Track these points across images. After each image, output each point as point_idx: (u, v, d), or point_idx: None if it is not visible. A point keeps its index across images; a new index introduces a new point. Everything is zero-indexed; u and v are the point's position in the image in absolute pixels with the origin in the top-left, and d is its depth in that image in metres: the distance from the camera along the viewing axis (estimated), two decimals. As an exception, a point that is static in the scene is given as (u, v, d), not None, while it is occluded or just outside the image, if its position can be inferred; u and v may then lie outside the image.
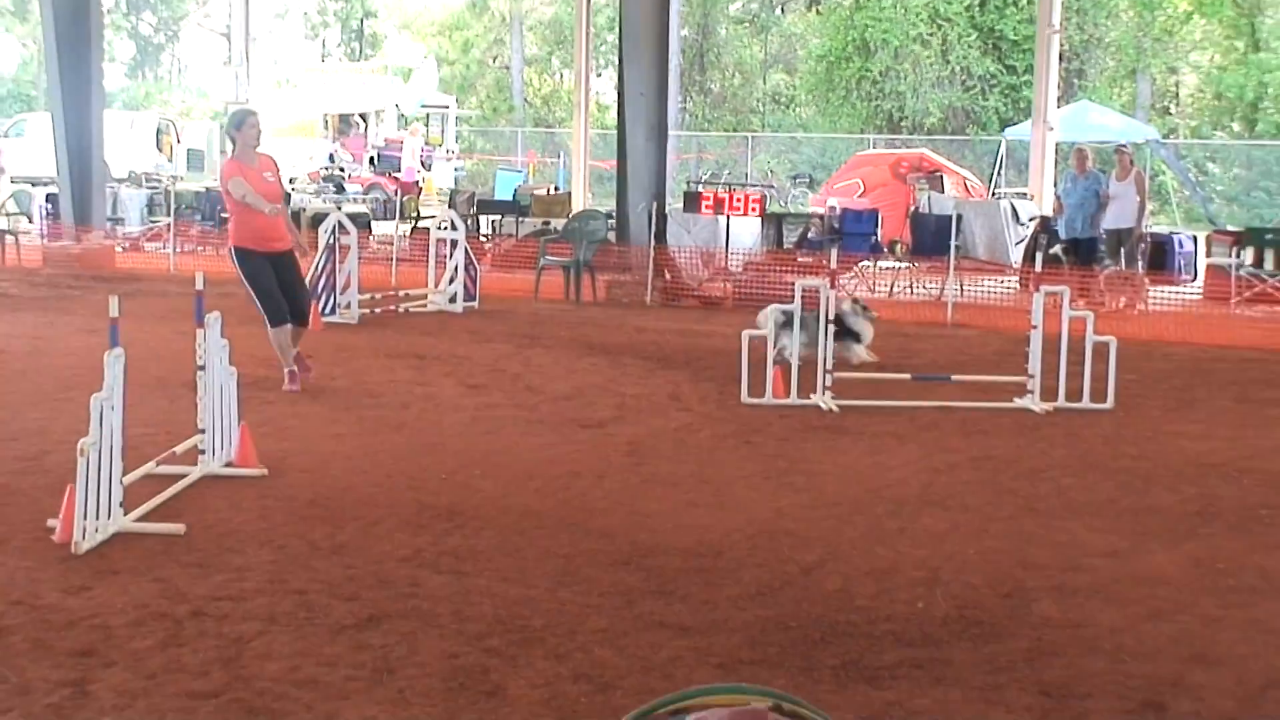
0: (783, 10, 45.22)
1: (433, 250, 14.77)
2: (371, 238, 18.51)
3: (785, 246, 18.73)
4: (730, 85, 43.72)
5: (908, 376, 10.05)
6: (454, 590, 5.22)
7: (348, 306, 13.20)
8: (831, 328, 9.35)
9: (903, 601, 5.21)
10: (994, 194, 24.22)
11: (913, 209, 21.08)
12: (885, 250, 18.38)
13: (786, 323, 9.76)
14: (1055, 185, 19.12)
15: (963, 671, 4.52)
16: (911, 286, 16.46)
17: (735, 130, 40.10)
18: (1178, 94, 38.61)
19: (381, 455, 7.48)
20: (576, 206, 21.87)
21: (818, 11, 41.92)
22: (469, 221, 20.09)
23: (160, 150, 34.91)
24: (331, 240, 13.16)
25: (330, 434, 8.04)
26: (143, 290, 15.27)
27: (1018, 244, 18.90)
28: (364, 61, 49.67)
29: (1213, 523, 6.42)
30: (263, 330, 9.29)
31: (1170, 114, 37.41)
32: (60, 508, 5.72)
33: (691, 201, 17.10)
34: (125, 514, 5.95)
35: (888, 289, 16.30)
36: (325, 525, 6.08)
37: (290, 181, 21.72)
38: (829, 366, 9.21)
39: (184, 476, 6.74)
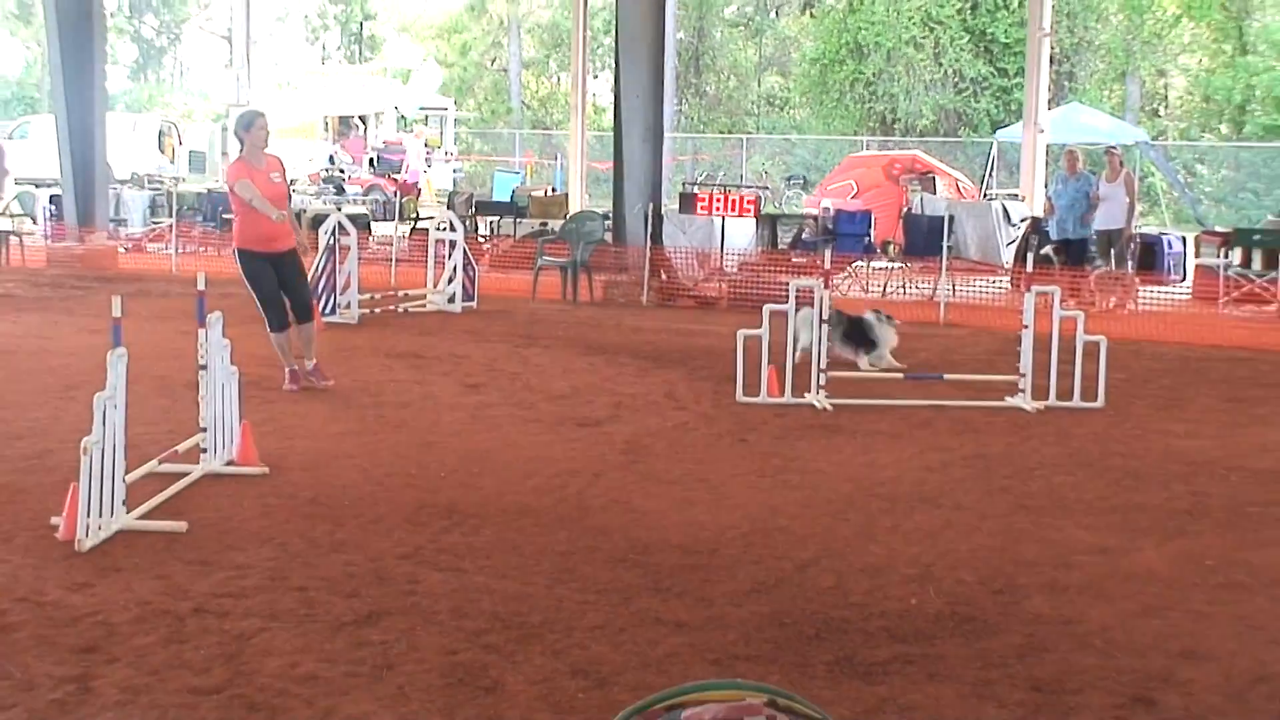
0: (777, 13, 45.21)
1: (431, 251, 14.77)
2: (371, 238, 18.50)
3: (780, 247, 18.75)
4: (725, 87, 43.73)
5: (901, 375, 10.07)
6: (453, 587, 5.22)
7: (348, 306, 13.19)
8: (828, 329, 9.39)
9: (896, 598, 5.21)
10: (986, 195, 24.22)
11: (905, 210, 21.08)
12: (878, 251, 18.39)
13: (824, 322, 10.02)
14: (1046, 186, 19.13)
15: (955, 667, 4.52)
16: (904, 287, 16.46)
17: (730, 132, 40.10)
18: (1167, 96, 38.64)
19: (381, 453, 7.48)
20: (573, 207, 21.88)
21: (811, 15, 41.92)
22: (467, 222, 20.08)
23: (162, 152, 34.90)
24: (332, 241, 13.15)
25: (330, 433, 8.04)
26: (145, 290, 15.26)
27: (1009, 244, 18.91)
28: (363, 64, 49.68)
29: (1201, 520, 6.42)
30: (263, 330, 9.28)
31: (1159, 116, 37.44)
32: (64, 505, 5.71)
33: (687, 202, 17.10)
34: (128, 512, 5.94)
35: (881, 289, 16.30)
36: (325, 523, 6.08)
37: (291, 183, 21.68)
38: (823, 365, 9.22)
39: (186, 475, 6.74)
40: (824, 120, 38.18)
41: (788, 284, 9.71)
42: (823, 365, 9.20)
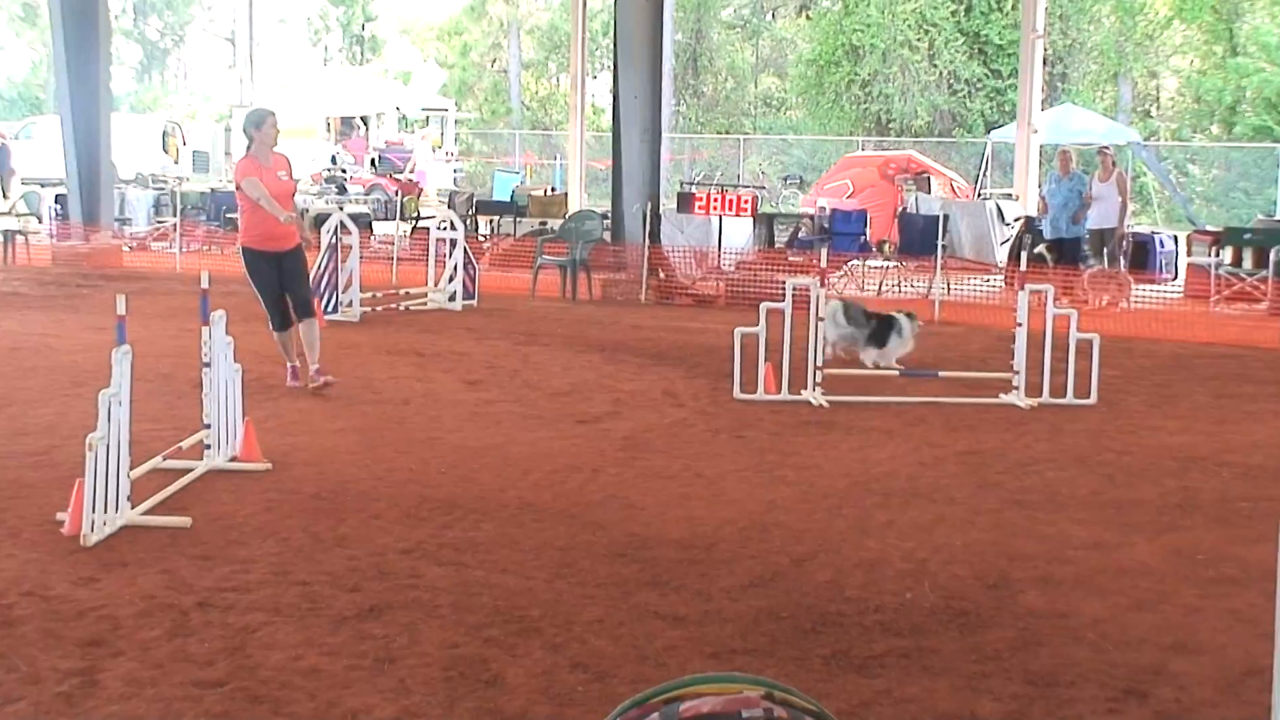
0: (774, 15, 45.17)
1: (432, 250, 14.76)
2: (372, 237, 18.50)
3: (776, 246, 18.74)
4: (722, 89, 43.69)
5: (896, 372, 10.06)
6: (454, 581, 5.22)
7: (350, 305, 13.18)
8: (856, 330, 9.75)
9: (891, 592, 5.21)
10: (980, 195, 24.21)
11: (901, 209, 21.07)
12: (874, 249, 18.38)
13: (850, 319, 10.04)
14: (1039, 186, 19.11)
15: (950, 660, 4.52)
16: (899, 285, 16.46)
17: (727, 132, 40.07)
18: (1158, 97, 38.61)
19: (383, 450, 7.47)
20: (573, 207, 21.86)
21: (808, 17, 41.90)
22: (468, 222, 20.08)
23: (166, 152, 34.86)
24: (334, 240, 13.15)
25: (333, 429, 8.03)
26: (149, 289, 15.24)
27: (1003, 243, 18.90)
28: (365, 65, 49.65)
29: (1193, 515, 6.42)
30: (266, 328, 9.28)
31: (1151, 117, 37.41)
32: (69, 501, 5.71)
33: (685, 202, 17.09)
34: (133, 507, 5.94)
35: (876, 287, 16.29)
36: (328, 518, 6.07)
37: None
38: (819, 363, 9.21)
39: (190, 471, 6.73)
40: (820, 121, 38.15)
41: (784, 282, 9.71)
42: (820, 363, 9.20)
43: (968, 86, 35.84)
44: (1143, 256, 17.52)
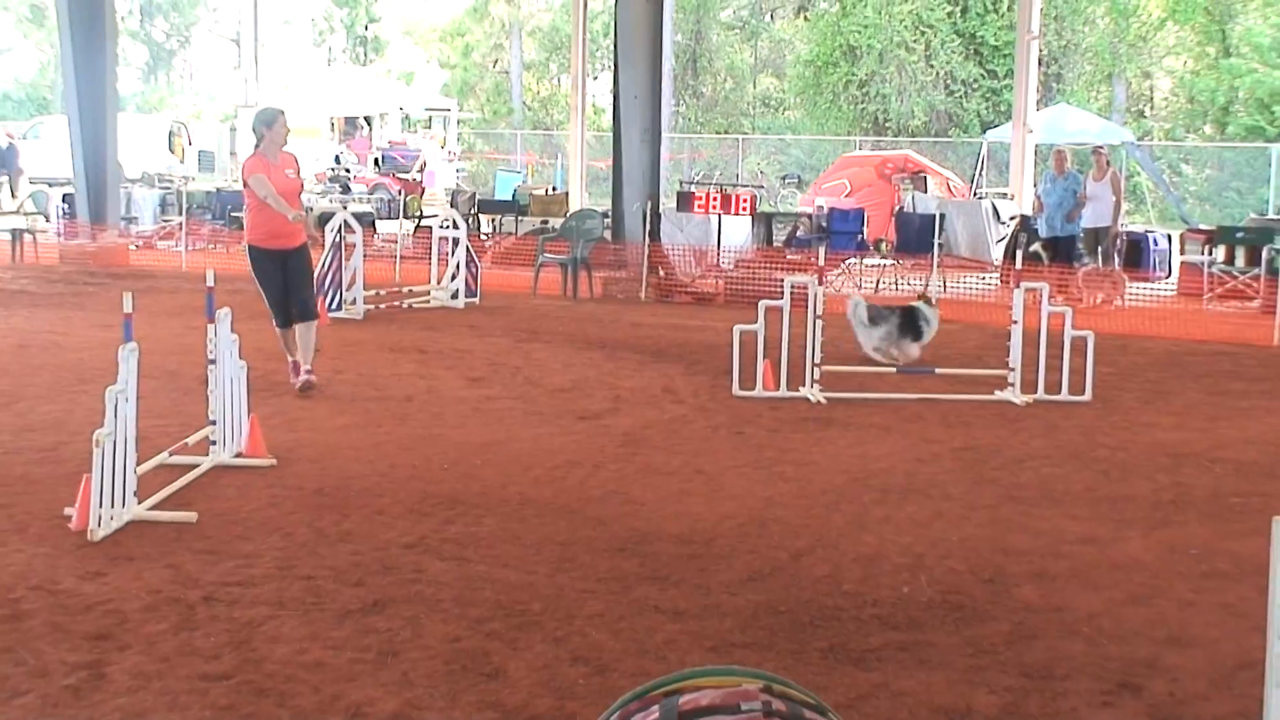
0: (772, 17, 45.15)
1: (435, 248, 14.76)
2: (376, 236, 18.49)
3: (775, 244, 18.73)
4: (722, 89, 43.67)
5: (893, 369, 10.06)
6: (456, 576, 5.22)
7: (353, 302, 13.18)
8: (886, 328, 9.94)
9: (888, 586, 5.21)
10: (975, 194, 24.22)
11: (897, 208, 21.08)
12: (871, 248, 18.37)
13: (874, 319, 10.06)
14: (1035, 185, 19.11)
15: (946, 654, 4.52)
16: (896, 283, 16.46)
17: (726, 132, 40.06)
18: (1152, 98, 38.60)
19: (386, 446, 7.47)
20: (574, 206, 21.85)
21: (806, 18, 41.88)
22: (470, 220, 20.07)
23: (172, 152, 34.85)
24: (338, 239, 13.14)
25: (337, 425, 8.03)
26: (155, 287, 15.24)
27: (998, 242, 18.90)
28: (368, 66, 49.62)
29: (1186, 510, 6.42)
30: (271, 325, 9.27)
31: (1145, 117, 37.39)
32: (76, 496, 5.71)
33: (684, 201, 17.08)
34: (139, 502, 5.94)
35: (873, 285, 16.29)
36: (332, 513, 6.07)
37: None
38: (816, 360, 9.21)
39: (195, 466, 6.73)
40: (818, 121, 38.14)
41: (783, 281, 9.71)
42: (817, 360, 9.20)
43: (964, 87, 35.83)
44: (1136, 255, 17.52)
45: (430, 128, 36.73)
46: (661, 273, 15.64)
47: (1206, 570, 5.49)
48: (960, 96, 35.92)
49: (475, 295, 14.41)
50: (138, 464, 5.98)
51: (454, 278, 14.34)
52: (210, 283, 6.96)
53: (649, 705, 1.77)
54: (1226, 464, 7.40)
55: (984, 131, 31.18)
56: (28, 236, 18.83)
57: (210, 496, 6.33)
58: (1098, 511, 6.37)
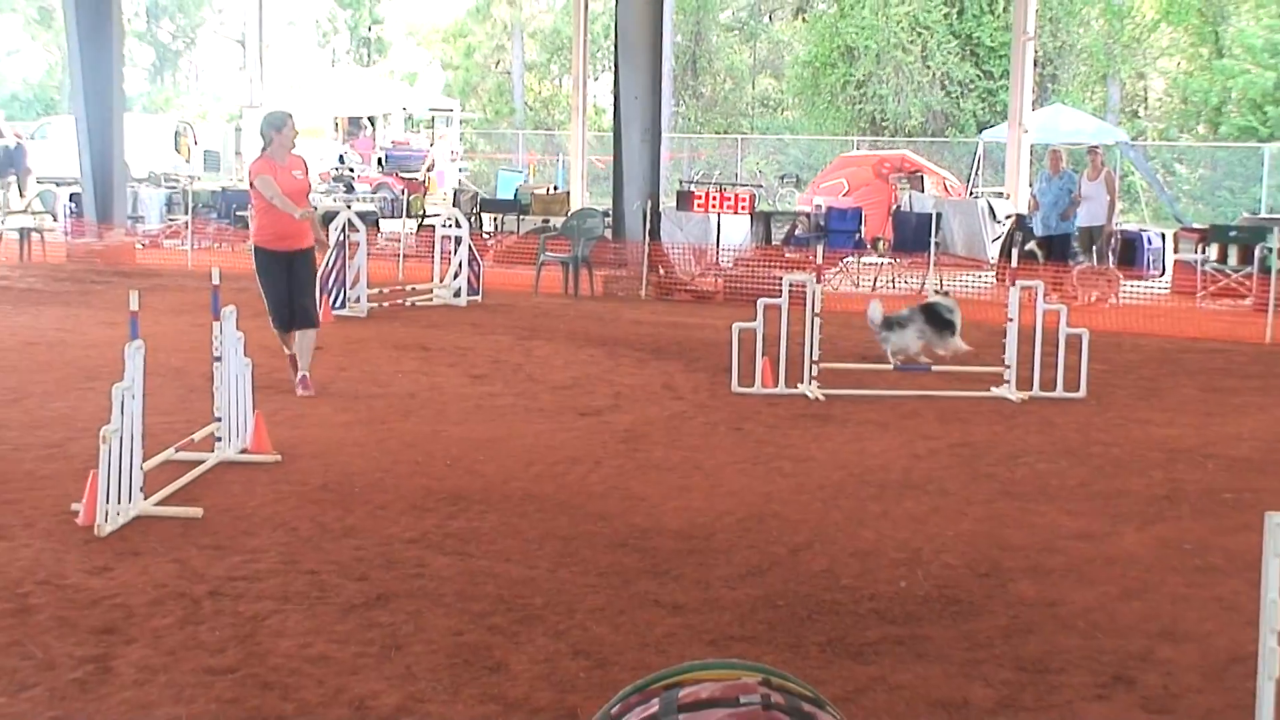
0: (771, 18, 45.12)
1: (438, 247, 14.76)
2: (379, 235, 18.49)
3: (773, 243, 18.72)
4: (721, 89, 43.64)
5: (890, 366, 10.06)
6: (458, 570, 5.22)
7: (357, 300, 13.18)
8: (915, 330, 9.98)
9: (885, 581, 5.20)
10: (972, 193, 24.18)
11: (895, 207, 21.05)
12: (868, 247, 18.37)
13: (900, 321, 10.06)
14: (1030, 185, 19.10)
15: (943, 648, 4.52)
16: (893, 281, 16.45)
17: (726, 132, 40.03)
18: (1146, 98, 38.56)
19: (389, 442, 7.47)
20: (575, 205, 21.84)
21: (804, 19, 41.84)
22: (472, 219, 20.06)
23: (178, 152, 34.82)
24: (341, 237, 13.14)
25: (340, 422, 8.03)
26: (162, 285, 15.23)
27: (994, 241, 18.90)
28: (371, 67, 49.57)
29: (1180, 506, 6.42)
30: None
31: (1139, 117, 37.36)
32: (83, 492, 5.71)
33: (684, 200, 17.07)
34: (145, 498, 5.94)
35: (871, 284, 16.29)
36: (336, 509, 6.07)
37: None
38: (815, 357, 9.20)
39: (201, 462, 6.73)
40: (816, 121, 38.10)
41: (781, 279, 9.70)
42: (815, 357, 9.19)
43: (960, 87, 35.80)
44: (1131, 253, 17.50)
45: (433, 127, 36.69)
46: (661, 271, 15.63)
47: (1200, 565, 5.49)
48: (957, 97, 35.90)
49: (477, 293, 14.41)
50: (144, 460, 5.98)
51: (456, 276, 14.34)
52: (216, 281, 6.96)
53: (649, 698, 1.77)
54: (1219, 460, 7.40)
55: (980, 131, 31.14)
56: (35, 235, 18.84)
57: (215, 492, 6.33)
58: (1092, 507, 6.36)
